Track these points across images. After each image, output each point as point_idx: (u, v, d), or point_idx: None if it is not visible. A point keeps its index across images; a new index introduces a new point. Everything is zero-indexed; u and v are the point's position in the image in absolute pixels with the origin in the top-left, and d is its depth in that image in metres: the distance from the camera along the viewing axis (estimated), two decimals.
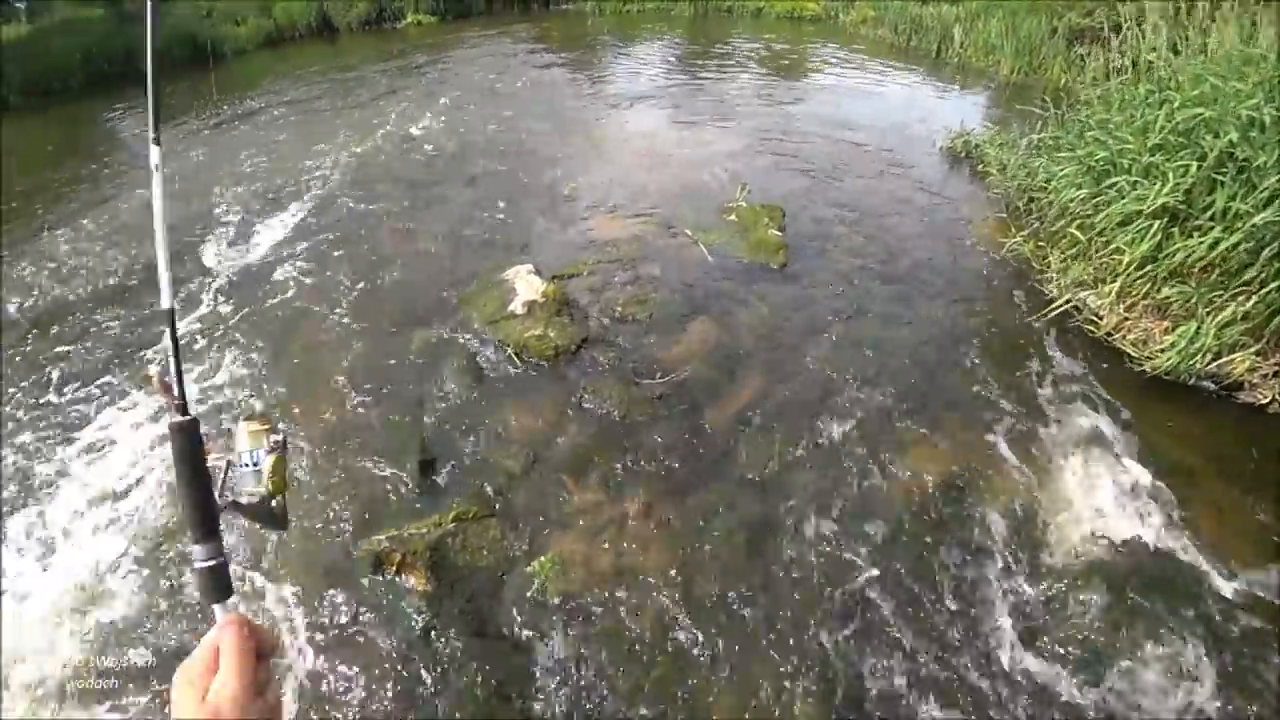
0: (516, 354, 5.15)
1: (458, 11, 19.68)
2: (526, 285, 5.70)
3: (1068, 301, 5.69)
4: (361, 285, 6.29)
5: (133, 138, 11.60)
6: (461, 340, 5.41)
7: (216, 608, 0.91)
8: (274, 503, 1.05)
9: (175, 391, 0.99)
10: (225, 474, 1.03)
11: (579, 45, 16.39)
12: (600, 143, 9.67)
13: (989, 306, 6.02)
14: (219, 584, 0.94)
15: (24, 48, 16.07)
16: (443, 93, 12.33)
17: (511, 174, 8.55)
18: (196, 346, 5.64)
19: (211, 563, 0.93)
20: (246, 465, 1.05)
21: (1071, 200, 6.20)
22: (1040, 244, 6.56)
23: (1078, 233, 6.03)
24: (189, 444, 0.97)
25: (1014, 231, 6.80)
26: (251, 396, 5.12)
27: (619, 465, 4.37)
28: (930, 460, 4.40)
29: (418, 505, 4.11)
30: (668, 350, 5.33)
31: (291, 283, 6.40)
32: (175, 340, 1.05)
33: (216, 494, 1.00)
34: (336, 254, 6.86)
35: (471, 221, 7.35)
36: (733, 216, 7.11)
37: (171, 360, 1.03)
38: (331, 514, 4.08)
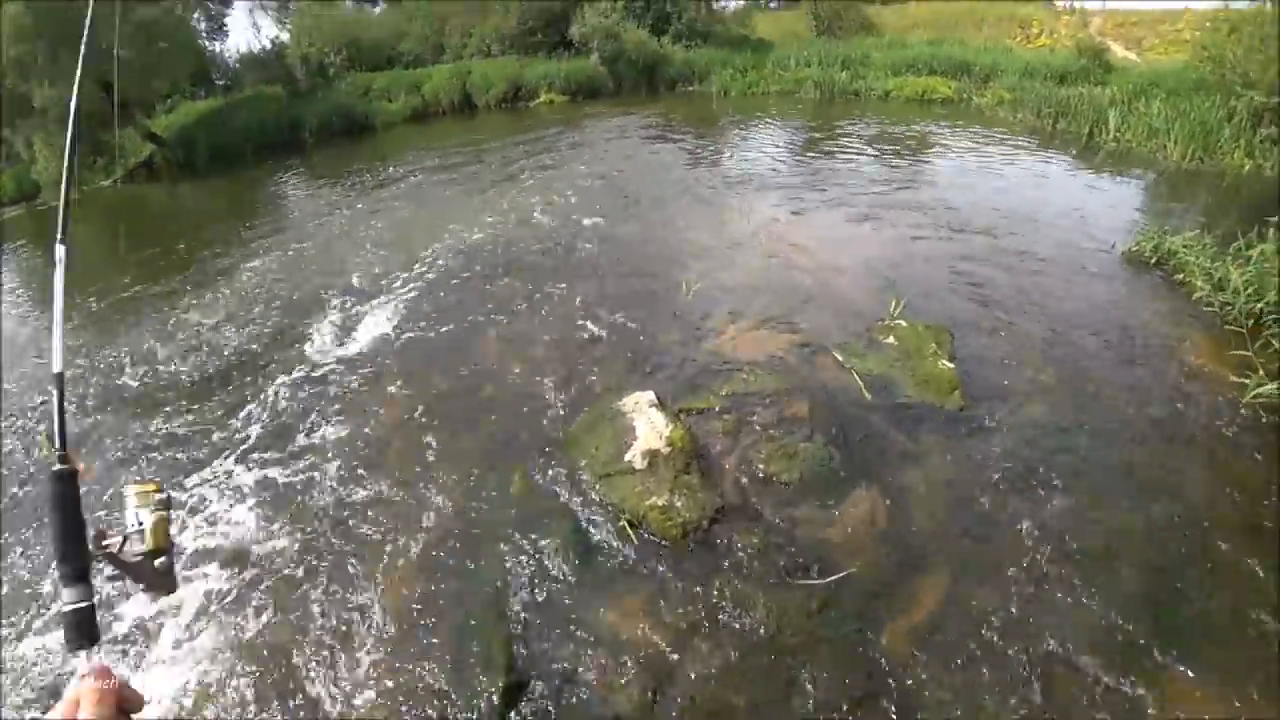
0: (633, 526, 3.87)
1: (588, 91, 19.40)
2: (647, 424, 4.44)
3: None
4: (461, 401, 5.27)
5: (291, 200, 11.83)
6: (566, 496, 4.20)
7: (80, 656, 0.89)
8: (157, 562, 1.07)
9: (57, 443, 1.04)
10: (108, 531, 1.06)
11: (704, 128, 15.49)
12: (726, 235, 8.45)
13: (1236, 477, 4.25)
14: (84, 630, 0.91)
15: (214, 118, 17.13)
16: (565, 174, 11.60)
17: (631, 269, 7.45)
18: (279, 452, 4.77)
19: (77, 606, 0.92)
20: (132, 525, 1.08)
21: None
22: None
23: None
24: (64, 490, 1.00)
25: (1257, 372, 4.99)
26: (321, 531, 4.12)
27: (766, 712, 2.98)
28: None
29: None
30: (824, 531, 3.91)
31: (387, 389, 5.47)
32: (61, 398, 1.10)
33: (91, 544, 1.00)
34: (439, 357, 5.93)
35: (587, 325, 6.24)
36: (890, 339, 5.63)
37: (56, 415, 1.07)
38: None
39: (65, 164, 1.19)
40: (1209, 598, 3.48)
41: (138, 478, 1.24)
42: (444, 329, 6.38)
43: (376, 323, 6.63)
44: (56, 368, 1.11)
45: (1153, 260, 7.23)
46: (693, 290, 6.79)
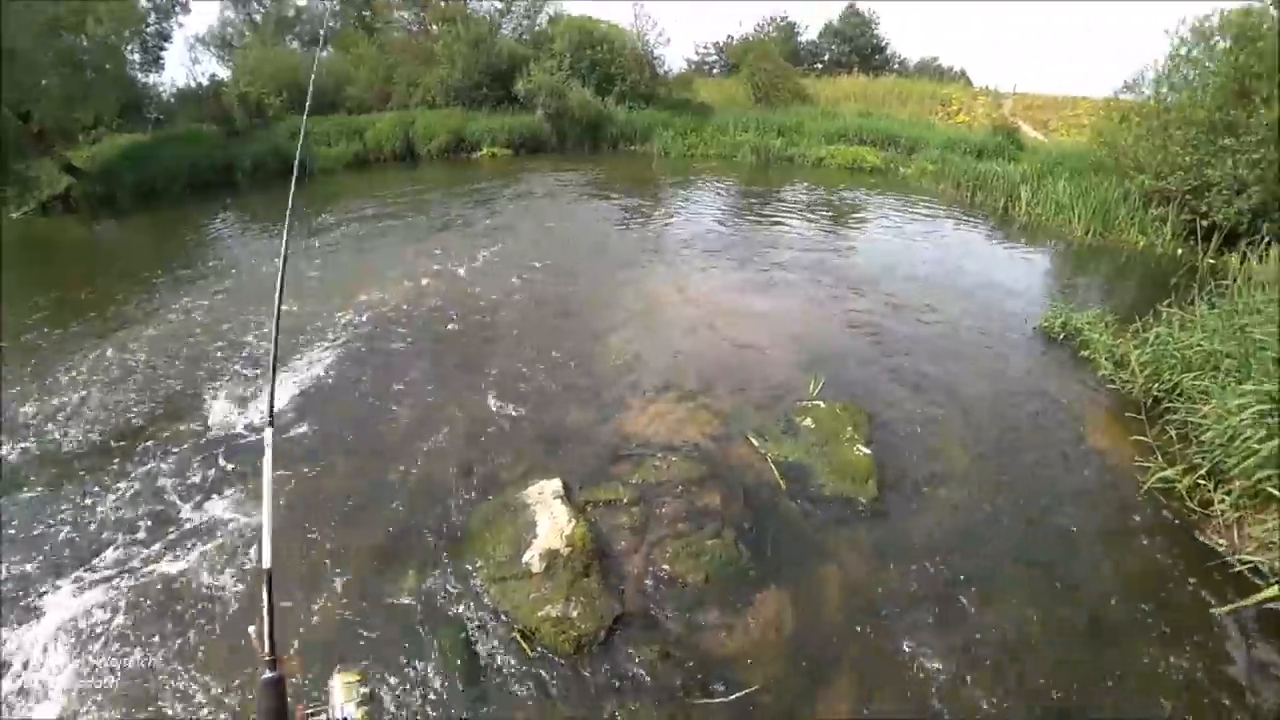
0: (525, 638, 3.56)
1: (531, 146, 19.44)
2: (549, 520, 4.18)
3: (1251, 567, 4.10)
4: (360, 488, 4.89)
5: (216, 243, 11.27)
6: (457, 604, 3.87)
7: None
8: None
9: (266, 649, 1.13)
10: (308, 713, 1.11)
11: (643, 188, 15.63)
12: (653, 303, 8.36)
13: (1140, 572, 4.29)
14: None
15: (142, 154, 16.30)
16: (501, 229, 11.43)
17: (554, 337, 7.24)
18: (146, 546, 4.27)
19: None
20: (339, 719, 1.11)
21: (1252, 447, 4.47)
22: (1195, 479, 4.81)
23: (1274, 491, 4.27)
24: (273, 702, 1.07)
25: (1158, 459, 5.09)
26: (182, 634, 3.66)
27: None
28: None
29: None
30: (729, 639, 3.69)
31: (284, 469, 5.02)
32: (271, 600, 1.20)
33: None
34: (343, 435, 5.54)
35: (503, 400, 5.97)
36: (808, 420, 5.54)
37: (266, 616, 1.17)
38: None
39: None
40: (1117, 706, 3.38)
41: (343, 666, 1.30)
42: (353, 402, 6.01)
43: (284, 392, 6.19)
44: (266, 564, 1.19)
45: (1060, 336, 7.46)
46: (611, 364, 6.61)
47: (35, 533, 4.51)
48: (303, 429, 5.61)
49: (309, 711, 1.10)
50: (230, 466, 5.15)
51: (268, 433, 1.20)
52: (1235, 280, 6.87)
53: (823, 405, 5.76)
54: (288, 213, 2.92)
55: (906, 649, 3.70)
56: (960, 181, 14.94)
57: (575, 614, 3.59)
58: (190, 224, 12.64)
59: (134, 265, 10.16)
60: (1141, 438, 5.46)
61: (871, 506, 4.68)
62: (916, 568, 4.23)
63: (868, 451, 5.13)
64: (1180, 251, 10.88)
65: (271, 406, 1.99)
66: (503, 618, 3.70)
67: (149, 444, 5.42)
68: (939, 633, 3.80)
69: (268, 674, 1.03)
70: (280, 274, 2.20)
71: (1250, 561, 4.19)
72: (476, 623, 3.71)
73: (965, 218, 13.42)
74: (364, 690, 1.15)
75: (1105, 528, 4.66)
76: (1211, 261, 10.17)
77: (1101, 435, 5.75)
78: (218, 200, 14.27)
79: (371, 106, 20.99)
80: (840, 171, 17.37)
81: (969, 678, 3.54)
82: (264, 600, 1.10)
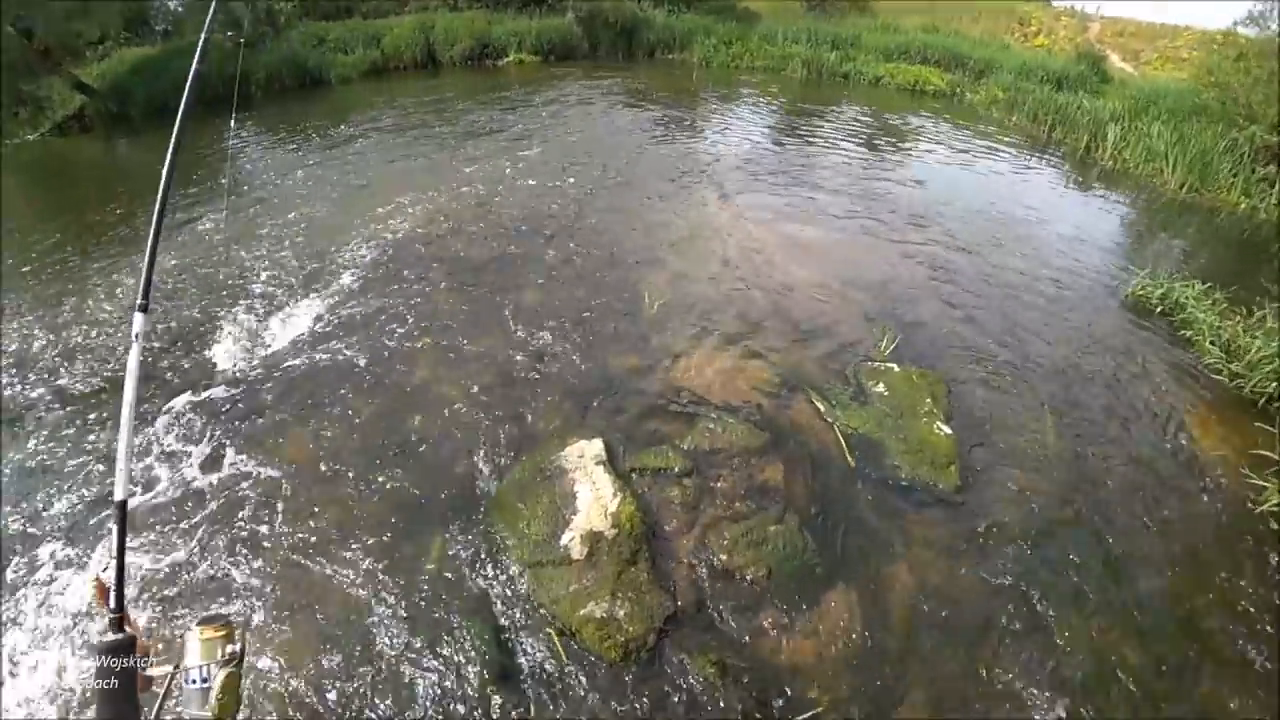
0: (563, 636, 3.10)
1: (561, 52, 17.94)
2: (591, 492, 3.66)
3: None
4: (379, 439, 4.40)
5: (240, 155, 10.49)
6: (488, 587, 3.40)
7: None
8: None
9: (113, 602, 0.91)
10: (166, 689, 0.91)
11: (684, 101, 14.36)
12: (698, 230, 7.57)
13: (1241, 605, 3.72)
14: None
15: (152, 68, 15.32)
16: (528, 146, 10.47)
17: (591, 270, 6.55)
18: (151, 498, 3.85)
19: None
20: (195, 681, 0.91)
21: None
22: None
23: None
24: (120, 674, 0.86)
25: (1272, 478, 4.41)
26: (196, 594, 3.29)
27: None
28: None
29: None
30: (791, 648, 3.22)
31: (296, 416, 4.53)
32: (123, 542, 0.95)
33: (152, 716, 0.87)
34: (362, 376, 5.01)
35: (536, 343, 5.37)
36: (879, 385, 4.91)
37: (113, 563, 0.92)
38: None
39: None
40: None
41: (206, 613, 1.05)
42: (372, 340, 5.43)
43: (300, 324, 5.65)
44: (119, 494, 1.00)
45: (1158, 309, 6.63)
46: (656, 304, 5.94)
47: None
48: (324, 362, 5.07)
49: (147, 671, 0.88)
50: (232, 414, 4.65)
51: (137, 319, 1.07)
52: None
53: (896, 369, 5.11)
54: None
55: (985, 667, 3.22)
56: (1036, 113, 13.48)
57: (622, 614, 3.11)
58: (205, 140, 11.79)
59: (150, 184, 9.42)
60: (1266, 452, 4.74)
61: (951, 497, 4.11)
62: (998, 573, 3.70)
63: (949, 431, 4.51)
64: None
65: (147, 287, 1.46)
66: (538, 611, 3.24)
67: (154, 384, 4.90)
68: (1019, 649, 3.31)
69: (110, 635, 0.82)
70: (167, 169, 1.58)
71: None
72: (509, 615, 3.26)
73: (1040, 155, 12.18)
74: (231, 648, 0.94)
75: (1208, 553, 4.04)
76: None
77: (1207, 436, 5.02)
78: (230, 116, 13.30)
79: (389, 10, 19.45)
80: (900, 94, 15.85)
81: (1047, 703, 3.08)
82: (113, 542, 0.87)
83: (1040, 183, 10.76)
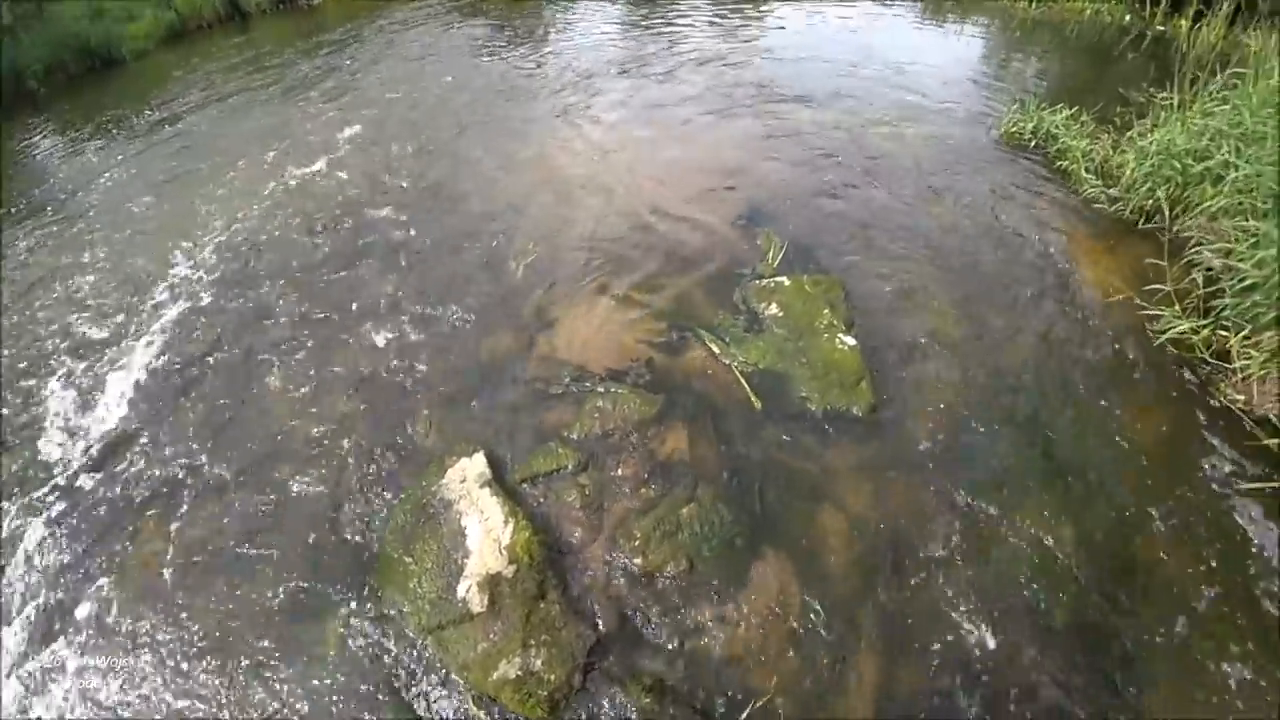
0: (483, 707, 2.76)
1: None
2: (480, 525, 3.26)
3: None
4: (243, 505, 3.83)
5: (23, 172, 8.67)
6: (391, 664, 3.00)
7: None
8: None
9: None
10: None
11: (521, 11, 12.95)
12: (556, 164, 6.84)
13: (1162, 437, 3.72)
14: None
15: None
16: (357, 100, 9.21)
17: (443, 239, 5.84)
18: None
19: None
20: None
21: None
22: (1212, 328, 4.13)
23: None
24: None
25: (1174, 305, 4.34)
26: None
27: None
28: None
29: None
30: (732, 637, 2.99)
31: (141, 502, 3.89)
32: None
33: None
34: (211, 428, 4.34)
35: (393, 346, 4.76)
36: (773, 307, 4.56)
37: None
38: None
39: None
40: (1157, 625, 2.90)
41: None
42: (217, 380, 4.70)
43: (130, 379, 4.78)
44: None
45: (1032, 143, 6.44)
46: (522, 265, 5.35)
47: None
48: (160, 449, 4.30)
49: None
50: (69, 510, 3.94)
51: None
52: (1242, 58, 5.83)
53: (787, 282, 4.75)
54: None
55: (931, 601, 3.09)
56: None
57: (540, 663, 2.79)
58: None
59: None
60: (1145, 273, 4.68)
61: (866, 422, 3.87)
62: (928, 491, 3.53)
63: (853, 343, 4.22)
64: (1129, 19, 9.71)
65: None
66: (449, 680, 2.88)
67: None
68: (964, 572, 3.19)
69: None
70: None
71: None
72: (420, 691, 2.89)
73: None
74: None
75: (1126, 401, 3.98)
76: (1162, 29, 9.17)
77: (1098, 271, 4.91)
78: (13, 120, 11.16)
79: None
80: None
81: (1000, 626, 2.98)
82: None
83: (889, 26, 10.43)
